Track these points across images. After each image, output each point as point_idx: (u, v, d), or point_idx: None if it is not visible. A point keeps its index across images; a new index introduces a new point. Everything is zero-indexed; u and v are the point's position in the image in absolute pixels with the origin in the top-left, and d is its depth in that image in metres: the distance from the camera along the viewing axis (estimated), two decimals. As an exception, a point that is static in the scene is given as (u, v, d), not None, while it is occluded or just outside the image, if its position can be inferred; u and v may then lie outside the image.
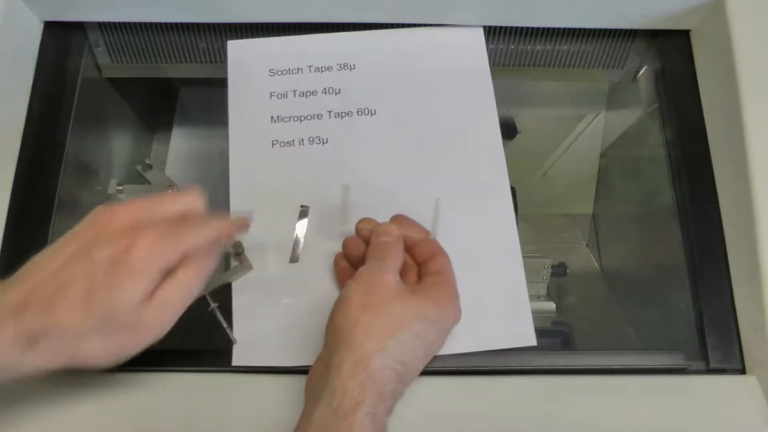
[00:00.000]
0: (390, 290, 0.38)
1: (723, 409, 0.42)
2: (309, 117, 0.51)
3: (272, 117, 0.51)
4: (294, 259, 0.46)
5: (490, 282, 0.46)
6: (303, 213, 0.45)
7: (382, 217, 0.44)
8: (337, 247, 0.45)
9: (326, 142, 0.51)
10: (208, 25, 0.55)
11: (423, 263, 0.43)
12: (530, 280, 0.47)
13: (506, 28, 0.56)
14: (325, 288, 0.45)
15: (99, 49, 0.57)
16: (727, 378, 0.44)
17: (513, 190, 0.49)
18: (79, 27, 0.55)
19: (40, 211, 0.48)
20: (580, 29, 0.56)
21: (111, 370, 0.42)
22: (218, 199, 0.67)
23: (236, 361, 0.43)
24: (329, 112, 0.52)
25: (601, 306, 0.69)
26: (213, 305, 0.43)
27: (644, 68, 0.59)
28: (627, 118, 0.65)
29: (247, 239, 0.45)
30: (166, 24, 0.56)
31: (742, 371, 0.44)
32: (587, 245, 0.75)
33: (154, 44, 0.57)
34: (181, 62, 0.58)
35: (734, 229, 0.47)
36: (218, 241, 0.39)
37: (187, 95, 0.74)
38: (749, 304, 0.44)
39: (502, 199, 0.49)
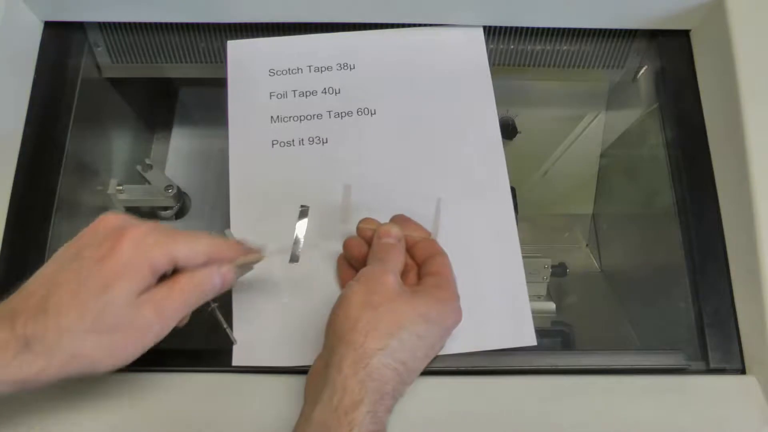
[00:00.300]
0: (391, 290, 0.38)
1: (723, 409, 0.42)
2: (309, 117, 0.51)
3: (272, 117, 0.51)
4: (294, 259, 0.46)
5: (490, 282, 0.46)
6: (303, 213, 0.45)
7: (382, 216, 0.44)
8: (338, 247, 0.45)
9: (326, 142, 0.51)
10: (208, 25, 0.55)
11: (423, 263, 0.43)
12: (530, 280, 0.47)
13: (506, 28, 0.56)
14: (325, 288, 0.45)
15: (99, 49, 0.57)
16: (727, 378, 0.44)
17: (513, 190, 0.49)
18: (79, 27, 0.55)
19: (40, 211, 0.48)
20: (580, 29, 0.56)
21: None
22: (218, 199, 0.67)
23: (236, 361, 0.43)
24: (329, 112, 0.52)
25: (601, 306, 0.69)
26: (213, 305, 0.43)
27: (644, 68, 0.59)
28: (627, 118, 0.65)
29: (247, 239, 0.45)
30: (166, 24, 0.56)
31: (742, 371, 0.44)
32: (587, 245, 0.75)
33: (154, 44, 0.57)
34: (181, 62, 0.58)
35: (734, 229, 0.47)
36: (217, 258, 0.38)
37: (187, 95, 0.74)
38: (749, 304, 0.44)
39: (502, 199, 0.49)
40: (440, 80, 0.53)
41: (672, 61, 0.54)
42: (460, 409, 0.42)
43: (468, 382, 0.42)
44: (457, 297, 0.41)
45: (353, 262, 0.44)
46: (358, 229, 0.44)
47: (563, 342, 0.60)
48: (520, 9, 0.53)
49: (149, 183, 0.62)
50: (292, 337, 0.44)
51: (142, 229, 0.35)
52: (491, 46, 0.56)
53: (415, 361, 0.38)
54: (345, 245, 0.44)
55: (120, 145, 0.66)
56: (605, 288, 0.70)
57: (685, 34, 0.54)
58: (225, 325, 0.44)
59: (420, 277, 0.42)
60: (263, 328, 0.44)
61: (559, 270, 0.66)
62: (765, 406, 0.42)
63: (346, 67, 0.53)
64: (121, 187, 0.60)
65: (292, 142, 0.50)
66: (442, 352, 0.42)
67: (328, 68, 0.53)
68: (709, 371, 0.44)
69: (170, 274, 0.37)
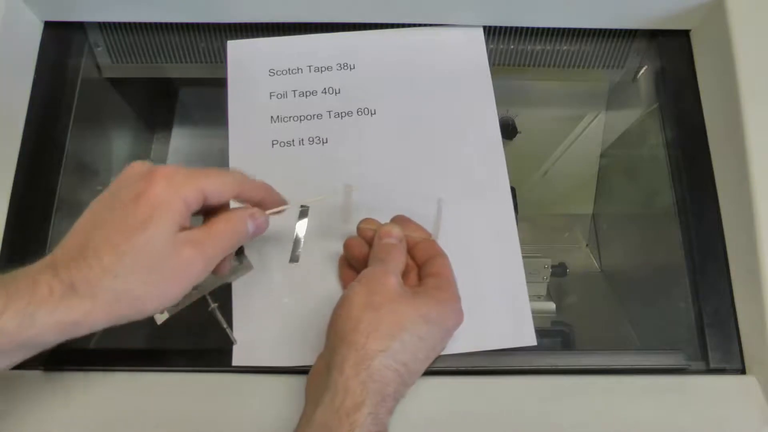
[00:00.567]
0: (392, 291, 0.38)
1: (723, 409, 0.42)
2: (309, 117, 0.51)
3: (272, 117, 0.51)
4: (294, 259, 0.46)
5: (490, 282, 0.46)
6: (303, 213, 0.45)
7: (382, 217, 0.44)
8: (338, 247, 0.45)
9: (326, 142, 0.51)
10: (208, 25, 0.55)
11: (423, 264, 0.43)
12: (530, 280, 0.47)
13: (506, 28, 0.56)
14: (325, 288, 0.45)
15: (99, 49, 0.57)
16: (727, 378, 0.44)
17: (513, 190, 0.49)
18: (79, 27, 0.55)
19: (40, 211, 0.48)
20: (580, 29, 0.56)
21: (111, 370, 0.43)
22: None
23: (236, 361, 0.43)
24: (329, 112, 0.52)
25: (601, 306, 0.69)
26: (213, 305, 0.44)
27: (644, 68, 0.59)
28: (627, 118, 0.65)
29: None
30: (166, 24, 0.56)
31: (742, 371, 0.44)
32: (587, 245, 0.75)
33: (154, 44, 0.57)
34: (181, 62, 0.58)
35: (734, 229, 0.47)
36: (246, 195, 0.39)
37: (187, 95, 0.74)
38: (749, 304, 0.44)
39: (502, 199, 0.49)
40: (440, 80, 0.53)
41: (672, 61, 0.54)
42: (460, 409, 0.42)
43: (468, 382, 0.42)
44: (458, 298, 0.41)
45: (354, 262, 0.44)
46: (358, 229, 0.44)
47: (563, 342, 0.60)
48: (520, 9, 0.53)
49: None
50: (292, 337, 0.44)
51: (171, 167, 0.36)
52: (491, 46, 0.56)
53: (416, 363, 0.38)
54: (346, 245, 0.44)
55: (120, 145, 0.66)
56: (605, 288, 0.70)
57: (685, 34, 0.54)
58: (225, 325, 0.44)
59: (420, 278, 0.42)
60: (263, 328, 0.44)
61: (559, 270, 0.66)
62: (765, 406, 0.42)
63: (346, 67, 0.53)
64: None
65: (292, 142, 0.50)
66: (442, 352, 0.42)
67: (328, 68, 0.53)
68: (709, 371, 0.44)
69: (202, 215, 0.38)
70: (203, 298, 0.43)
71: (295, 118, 0.51)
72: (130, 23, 0.55)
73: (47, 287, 0.32)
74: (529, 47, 0.58)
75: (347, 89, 0.53)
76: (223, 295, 0.45)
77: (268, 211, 0.40)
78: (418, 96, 0.52)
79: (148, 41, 0.57)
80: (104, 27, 0.56)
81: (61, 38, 0.54)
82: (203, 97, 0.73)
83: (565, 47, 0.58)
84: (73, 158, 0.52)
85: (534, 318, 0.45)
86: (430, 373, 0.40)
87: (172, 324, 0.43)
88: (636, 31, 0.56)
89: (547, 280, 0.63)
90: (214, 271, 0.39)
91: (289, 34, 0.54)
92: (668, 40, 0.55)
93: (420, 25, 0.54)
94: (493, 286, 0.46)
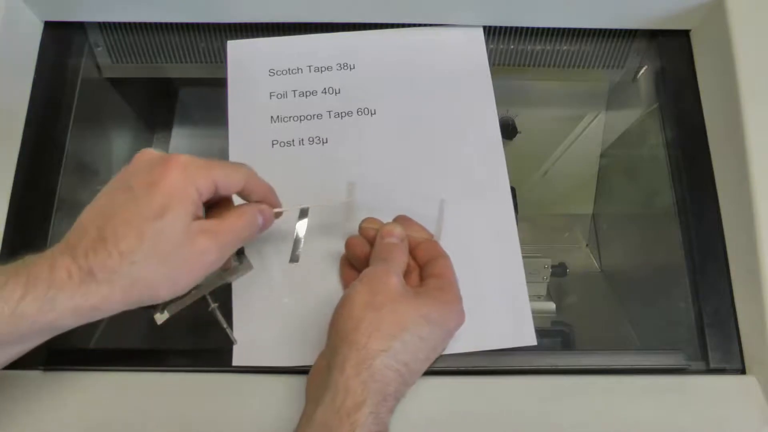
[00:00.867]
0: (394, 291, 0.38)
1: (723, 409, 0.42)
2: (309, 117, 0.51)
3: (272, 117, 0.51)
4: (294, 259, 0.46)
5: (490, 282, 0.46)
6: (303, 213, 0.45)
7: (382, 216, 0.44)
8: (338, 247, 0.45)
9: (326, 142, 0.51)
10: (208, 25, 0.55)
11: (425, 265, 0.43)
12: (530, 280, 0.47)
13: (506, 28, 0.56)
14: (326, 288, 0.45)
15: (99, 49, 0.57)
16: (727, 378, 0.44)
17: (513, 190, 0.49)
18: (79, 27, 0.55)
19: (40, 211, 0.48)
20: (580, 29, 0.56)
21: (111, 370, 0.43)
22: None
23: (236, 361, 0.43)
24: (329, 112, 0.52)
25: (601, 306, 0.69)
26: (213, 305, 0.43)
27: (644, 68, 0.59)
28: (627, 118, 0.65)
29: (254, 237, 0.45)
30: (166, 24, 0.56)
31: (742, 371, 0.44)
32: (587, 245, 0.75)
33: (154, 44, 0.57)
34: (181, 62, 0.58)
35: (734, 229, 0.47)
36: (252, 188, 0.39)
37: (187, 95, 0.74)
38: (749, 304, 0.44)
39: (502, 199, 0.49)
40: (440, 80, 0.53)
41: (672, 61, 0.54)
42: (460, 409, 0.42)
43: (468, 382, 0.42)
44: (459, 300, 0.41)
45: (355, 261, 0.44)
46: (360, 228, 0.44)
47: (563, 342, 0.60)
48: (520, 9, 0.53)
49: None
50: (292, 337, 0.44)
51: (185, 156, 0.36)
52: (491, 46, 0.56)
53: (417, 363, 0.38)
54: (347, 245, 0.44)
55: (120, 145, 0.66)
56: (605, 288, 0.70)
57: (685, 34, 0.54)
58: (225, 325, 0.44)
59: (422, 278, 0.42)
60: (263, 328, 0.44)
61: (559, 270, 0.66)
62: (765, 406, 0.42)
63: (346, 67, 0.53)
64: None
65: (292, 142, 0.50)
66: (443, 353, 0.42)
67: (328, 68, 0.53)
68: (709, 371, 0.44)
69: (209, 207, 0.38)
70: (203, 298, 0.43)
71: (295, 118, 0.51)
72: (130, 23, 0.55)
73: (66, 272, 0.33)
74: (529, 47, 0.58)
75: (347, 89, 0.53)
76: (223, 295, 0.45)
77: (275, 210, 0.41)
78: (418, 96, 0.52)
79: (148, 41, 0.57)
80: (104, 27, 0.56)
81: (61, 38, 0.54)
82: (203, 97, 0.73)
83: (565, 47, 0.58)
84: (73, 158, 0.52)
85: (534, 318, 0.45)
86: (430, 373, 0.40)
87: (172, 324, 0.43)
88: (636, 31, 0.56)
89: (547, 280, 0.63)
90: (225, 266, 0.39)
91: (289, 34, 0.54)
92: (668, 40, 0.55)
93: (420, 25, 0.54)
94: (493, 286, 0.46)
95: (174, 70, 0.60)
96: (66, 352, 0.43)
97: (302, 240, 0.46)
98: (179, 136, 0.73)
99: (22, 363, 0.36)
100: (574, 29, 0.56)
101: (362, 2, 0.51)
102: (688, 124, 0.51)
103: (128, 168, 0.37)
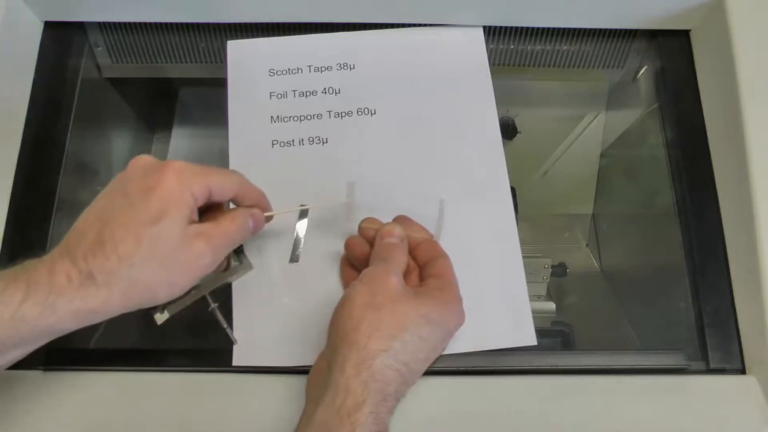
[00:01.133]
0: (394, 291, 0.38)
1: (723, 409, 0.42)
2: (309, 117, 0.51)
3: (272, 117, 0.51)
4: (294, 259, 0.46)
5: (490, 282, 0.46)
6: (303, 213, 0.45)
7: (382, 216, 0.44)
8: (338, 247, 0.45)
9: (326, 142, 0.51)
10: (208, 25, 0.55)
11: (425, 265, 0.43)
12: (530, 280, 0.47)
13: (506, 28, 0.56)
14: (326, 288, 0.45)
15: (99, 49, 0.57)
16: (727, 378, 0.44)
17: (513, 190, 0.49)
18: (79, 27, 0.55)
19: (40, 211, 0.48)
20: (580, 29, 0.56)
21: (111, 369, 0.43)
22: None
23: (236, 361, 0.43)
24: (329, 112, 0.52)
25: (601, 306, 0.69)
26: (213, 305, 0.43)
27: (644, 68, 0.59)
28: (627, 118, 0.65)
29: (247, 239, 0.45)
30: (166, 24, 0.56)
31: (742, 371, 0.44)
32: (587, 245, 0.75)
33: (154, 44, 0.57)
34: (181, 62, 0.58)
35: (734, 229, 0.47)
36: (245, 194, 0.40)
37: (187, 95, 0.74)
38: (749, 304, 0.44)
39: (502, 199, 0.49)
40: (440, 80, 0.53)
41: (672, 61, 0.54)
42: (460, 409, 0.42)
43: (468, 382, 0.42)
44: (459, 300, 0.41)
45: (355, 261, 0.44)
46: (360, 228, 0.44)
47: (563, 342, 0.60)
48: (520, 9, 0.53)
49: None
50: (292, 337, 0.44)
51: (180, 163, 0.37)
52: (491, 46, 0.56)
53: (417, 363, 0.38)
54: (347, 245, 0.44)
55: (120, 145, 0.66)
56: (605, 288, 0.70)
57: (685, 34, 0.54)
58: (225, 325, 0.44)
59: (422, 279, 0.42)
60: (263, 328, 0.44)
61: (559, 270, 0.66)
62: (765, 406, 0.42)
63: (346, 67, 0.53)
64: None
65: (292, 142, 0.50)
66: (443, 353, 0.42)
67: (328, 68, 0.53)
68: (709, 371, 0.44)
69: (204, 210, 0.39)
70: (203, 298, 0.43)
71: (295, 118, 0.51)
72: (130, 23, 0.55)
73: (65, 276, 0.33)
74: (529, 47, 0.58)
75: (347, 89, 0.53)
76: (223, 295, 0.45)
77: (266, 213, 0.42)
78: (418, 96, 0.52)
79: (148, 41, 0.57)
80: (104, 27, 0.56)
81: (61, 38, 0.54)
82: (203, 97, 0.73)
83: (565, 47, 0.58)
84: (73, 158, 0.52)
85: (534, 318, 0.45)
86: (430, 373, 0.40)
87: (172, 324, 0.43)
88: (636, 31, 0.56)
89: (547, 280, 0.63)
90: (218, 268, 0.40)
91: (289, 34, 0.54)
92: (668, 40, 0.55)
93: (420, 25, 0.54)
94: (494, 286, 0.46)
95: (174, 70, 0.60)
96: (66, 352, 0.43)
97: (302, 240, 0.46)
98: (179, 136, 0.73)
99: (22, 363, 0.36)
100: (574, 29, 0.56)
101: (362, 2, 0.51)
102: (688, 124, 0.51)
103: (124, 174, 0.37)
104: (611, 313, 0.66)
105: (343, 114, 0.52)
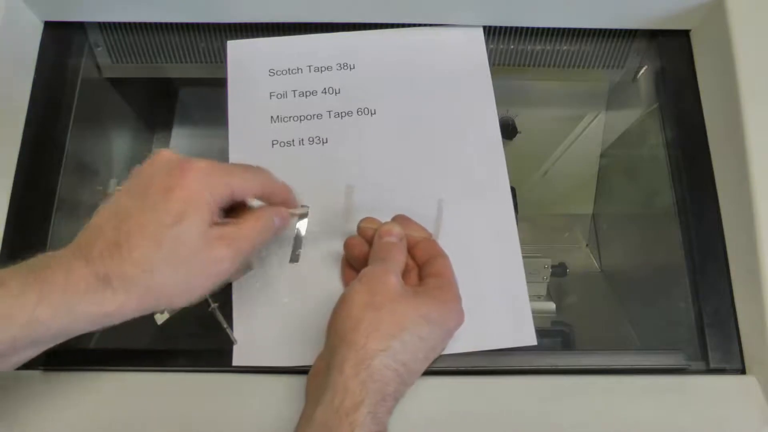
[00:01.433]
0: (393, 291, 0.38)
1: (723, 409, 0.42)
2: (309, 117, 0.51)
3: (272, 117, 0.51)
4: (294, 259, 0.46)
5: (490, 282, 0.46)
6: (303, 213, 0.45)
7: (382, 216, 0.44)
8: (338, 247, 0.45)
9: (326, 142, 0.51)
10: (208, 25, 0.55)
11: (423, 264, 0.43)
12: (530, 280, 0.47)
13: (506, 28, 0.56)
14: (325, 288, 0.45)
15: (99, 49, 0.57)
16: (727, 378, 0.44)
17: (513, 190, 0.49)
18: (79, 27, 0.55)
19: (40, 211, 0.48)
20: (580, 29, 0.56)
21: (111, 369, 0.43)
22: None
23: (236, 361, 0.43)
24: (329, 112, 0.52)
25: (601, 306, 0.69)
26: (213, 305, 0.43)
27: (644, 68, 0.59)
28: (627, 118, 0.65)
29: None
30: (166, 24, 0.56)
31: (742, 371, 0.44)
32: (587, 245, 0.75)
33: (154, 44, 0.57)
34: (181, 62, 0.58)
35: (734, 229, 0.47)
36: (270, 192, 0.39)
37: (187, 95, 0.74)
38: (749, 304, 0.44)
39: (502, 199, 0.49)
40: (440, 80, 0.53)
41: (672, 61, 0.54)
42: (460, 409, 0.42)
43: (468, 382, 0.42)
44: (459, 299, 0.41)
45: (354, 262, 0.44)
46: (359, 228, 0.44)
47: (563, 342, 0.60)
48: (520, 9, 0.53)
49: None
50: (292, 337, 0.44)
51: (202, 161, 0.36)
52: (491, 46, 0.56)
53: (416, 363, 0.38)
54: (346, 245, 0.44)
55: (120, 145, 0.66)
56: (605, 288, 0.70)
57: (685, 34, 0.54)
58: (225, 325, 0.44)
59: (421, 278, 0.42)
60: (263, 328, 0.44)
61: (559, 270, 0.66)
62: (765, 406, 0.42)
63: (346, 67, 0.53)
64: (120, 188, 0.60)
65: (292, 142, 0.50)
66: (442, 353, 0.42)
67: (328, 68, 0.53)
68: (709, 371, 0.44)
69: (227, 210, 0.38)
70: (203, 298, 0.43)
71: (295, 118, 0.51)
72: (130, 23, 0.55)
73: (82, 279, 0.32)
74: (529, 47, 0.58)
75: (347, 89, 0.53)
76: (223, 295, 0.45)
77: (290, 210, 0.41)
78: (418, 96, 0.52)
79: (148, 41, 0.57)
80: (104, 27, 0.56)
81: (61, 38, 0.54)
82: (203, 97, 0.73)
83: (565, 47, 0.58)
84: (73, 158, 0.52)
85: (534, 318, 0.45)
86: (430, 373, 0.40)
87: (172, 324, 0.43)
88: (636, 31, 0.56)
89: (547, 280, 0.63)
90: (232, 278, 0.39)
91: (289, 34, 0.54)
92: (668, 40, 0.55)
93: (420, 25, 0.54)
94: (493, 286, 0.46)
95: (174, 70, 0.60)
96: (66, 352, 0.43)
97: (302, 240, 0.46)
98: (179, 136, 0.73)
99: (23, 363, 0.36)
100: (574, 29, 0.56)
101: (362, 2, 0.51)
102: (688, 124, 0.51)
103: (144, 169, 0.36)
104: (611, 313, 0.66)
105: (343, 114, 0.52)
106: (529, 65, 0.59)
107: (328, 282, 0.46)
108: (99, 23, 0.55)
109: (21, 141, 0.49)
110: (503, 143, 0.50)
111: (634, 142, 0.64)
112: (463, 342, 0.43)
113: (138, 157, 0.65)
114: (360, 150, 0.50)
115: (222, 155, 0.50)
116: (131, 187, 0.36)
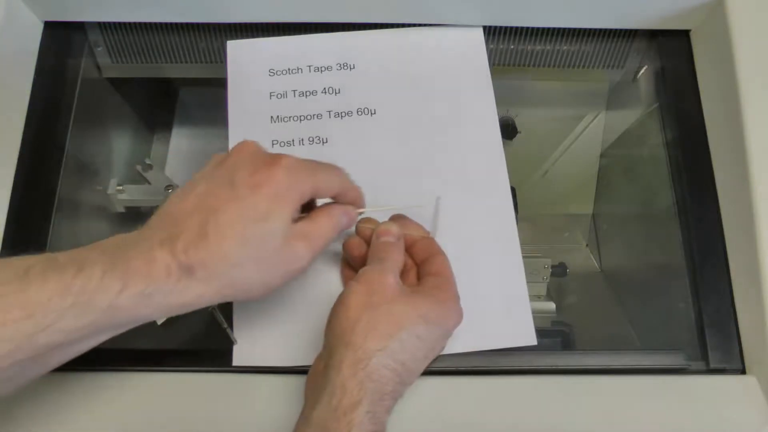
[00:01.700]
0: (391, 291, 0.38)
1: (723, 409, 0.42)
2: (309, 117, 0.51)
3: (272, 117, 0.51)
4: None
5: (491, 282, 0.46)
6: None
7: (381, 217, 0.44)
8: (338, 247, 0.45)
9: (326, 142, 0.51)
10: (208, 25, 0.55)
11: (422, 263, 0.43)
12: (530, 280, 0.47)
13: (506, 28, 0.56)
14: (325, 288, 0.45)
15: (99, 49, 0.57)
16: (727, 378, 0.44)
17: (513, 190, 0.49)
18: (79, 27, 0.55)
19: (40, 211, 0.48)
20: (580, 29, 0.56)
21: (111, 370, 0.43)
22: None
23: (236, 361, 0.43)
24: (329, 111, 0.52)
25: (601, 306, 0.69)
26: (213, 305, 0.43)
27: (644, 68, 0.59)
28: (627, 118, 0.65)
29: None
30: (166, 24, 0.56)
31: (742, 371, 0.44)
32: (587, 245, 0.75)
33: (154, 44, 0.57)
34: (181, 62, 0.58)
35: (734, 229, 0.47)
36: (346, 193, 0.40)
37: (187, 95, 0.74)
38: (749, 304, 0.44)
39: (502, 199, 0.49)
40: (440, 80, 0.53)
41: (672, 61, 0.54)
42: (460, 409, 0.42)
43: (468, 382, 0.42)
44: (457, 298, 0.41)
45: (352, 262, 0.44)
46: (357, 228, 0.44)
47: (563, 342, 0.60)
48: (520, 9, 0.53)
49: (149, 183, 0.62)
50: (292, 337, 0.44)
51: (290, 159, 0.36)
52: (491, 46, 0.56)
53: (415, 362, 0.38)
54: (345, 246, 0.44)
55: (120, 145, 0.66)
56: (605, 288, 0.70)
57: (685, 34, 0.54)
58: (225, 325, 0.44)
59: (419, 277, 0.42)
60: (263, 328, 0.44)
61: (559, 270, 0.66)
62: (765, 406, 0.42)
63: (346, 67, 0.53)
64: (121, 187, 0.60)
65: (292, 142, 0.50)
66: (441, 352, 0.42)
67: (328, 68, 0.53)
68: (709, 371, 0.44)
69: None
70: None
71: (295, 118, 0.51)
72: (130, 23, 0.55)
73: (165, 268, 0.32)
74: (529, 47, 0.58)
75: (347, 89, 0.53)
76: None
77: (357, 210, 0.41)
78: (418, 96, 0.52)
79: (148, 41, 0.57)
80: (104, 27, 0.56)
81: (61, 38, 0.54)
82: (203, 97, 0.73)
83: (565, 47, 0.58)
84: (73, 158, 0.52)
85: (534, 318, 0.45)
86: (429, 373, 0.40)
87: (172, 324, 0.43)
88: (636, 31, 0.56)
89: (547, 280, 0.63)
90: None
91: (289, 34, 0.54)
92: (668, 40, 0.55)
93: (420, 25, 0.54)
94: (494, 286, 0.46)
95: (174, 70, 0.60)
96: (66, 352, 0.43)
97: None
98: (179, 136, 0.73)
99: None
100: (574, 29, 0.56)
101: (362, 2, 0.51)
102: (688, 124, 0.51)
103: (229, 160, 0.36)
104: (611, 313, 0.66)
105: (343, 114, 0.52)
106: (529, 65, 0.59)
107: (328, 282, 0.46)
108: (99, 23, 0.55)
109: (21, 141, 0.49)
110: (503, 143, 0.50)
111: (634, 142, 0.64)
112: (463, 342, 0.43)
113: (138, 157, 0.65)
114: (360, 150, 0.50)
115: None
116: (214, 175, 0.36)
